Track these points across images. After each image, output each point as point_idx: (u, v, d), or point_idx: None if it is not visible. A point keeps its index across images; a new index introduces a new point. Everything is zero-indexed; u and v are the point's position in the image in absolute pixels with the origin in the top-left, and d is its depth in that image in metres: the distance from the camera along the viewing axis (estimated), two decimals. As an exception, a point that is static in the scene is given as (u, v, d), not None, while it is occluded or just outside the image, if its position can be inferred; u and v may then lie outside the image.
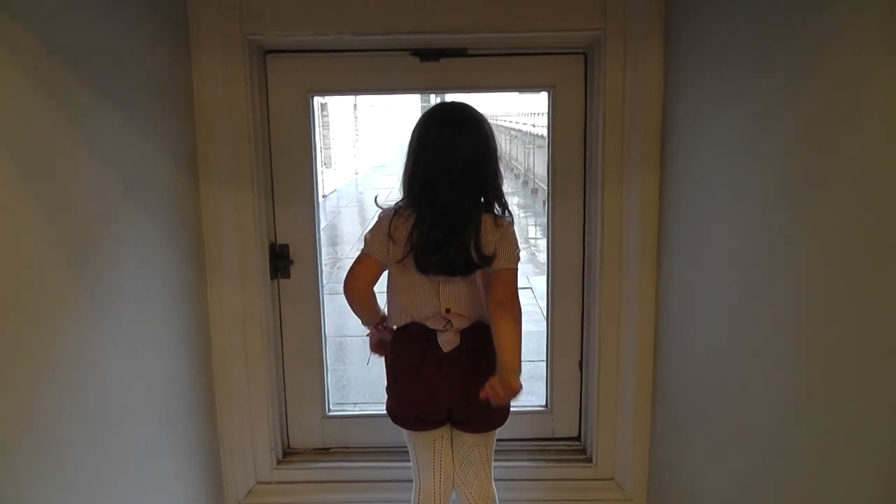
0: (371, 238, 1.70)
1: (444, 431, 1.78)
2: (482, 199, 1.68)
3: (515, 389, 1.61)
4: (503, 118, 16.15)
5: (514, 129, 14.02)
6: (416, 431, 1.77)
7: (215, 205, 2.02)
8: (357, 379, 3.72)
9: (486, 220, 1.65)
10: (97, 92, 1.52)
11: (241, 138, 2.01)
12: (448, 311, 1.64)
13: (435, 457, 1.79)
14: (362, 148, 16.05)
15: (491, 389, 1.59)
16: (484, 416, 1.74)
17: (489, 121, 1.72)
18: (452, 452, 1.81)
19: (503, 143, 14.65)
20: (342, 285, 1.72)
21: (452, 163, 1.63)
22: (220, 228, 2.04)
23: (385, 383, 1.80)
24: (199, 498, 2.03)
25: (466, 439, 1.77)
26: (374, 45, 2.06)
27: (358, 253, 1.74)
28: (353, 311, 1.78)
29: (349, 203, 10.29)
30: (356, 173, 14.72)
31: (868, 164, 1.13)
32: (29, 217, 1.31)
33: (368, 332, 1.86)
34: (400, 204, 1.68)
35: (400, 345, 1.73)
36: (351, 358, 4.05)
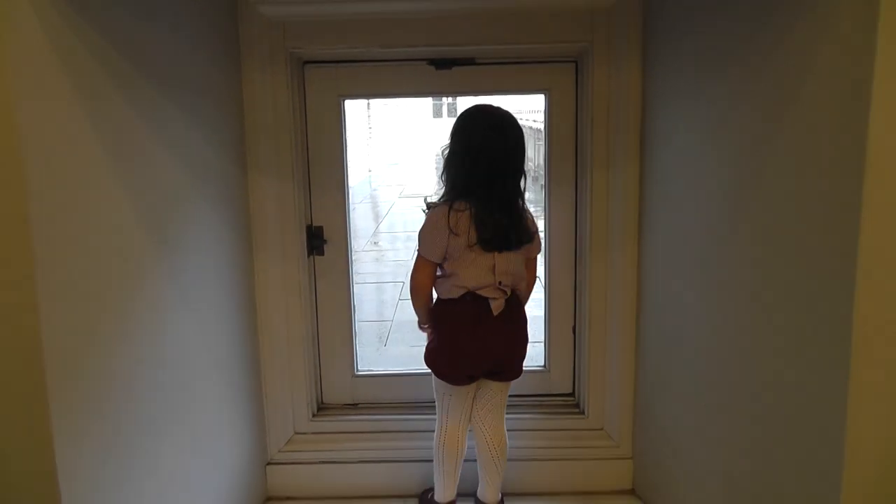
0: (431, 239, 1.85)
1: (474, 385, 1.99)
2: (521, 189, 1.90)
3: None
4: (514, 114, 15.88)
5: (524, 127, 13.68)
6: (460, 385, 1.95)
7: (261, 191, 2.16)
8: (369, 357, 3.89)
9: (525, 207, 1.92)
10: (169, 97, 1.66)
11: (283, 135, 2.15)
12: (500, 283, 1.86)
13: (466, 405, 2.00)
14: (375, 146, 15.64)
15: None
16: (514, 369, 1.98)
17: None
18: (475, 399, 2.02)
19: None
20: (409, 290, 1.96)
21: (508, 160, 1.84)
22: (265, 211, 2.18)
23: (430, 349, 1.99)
24: (247, 444, 2.17)
25: (493, 387, 1.99)
26: (396, 56, 2.19)
27: (414, 256, 1.95)
28: (415, 311, 2.02)
29: (363, 199, 10.36)
30: (369, 171, 14.53)
31: (798, 154, 1.29)
32: (120, 197, 1.47)
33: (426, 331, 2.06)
34: (448, 200, 1.86)
35: (456, 313, 1.89)
36: (365, 339, 4.20)
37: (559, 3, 2.05)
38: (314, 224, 2.33)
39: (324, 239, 2.34)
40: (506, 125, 1.86)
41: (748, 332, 1.52)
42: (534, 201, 10.03)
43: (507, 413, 2.30)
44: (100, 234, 1.42)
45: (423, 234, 1.87)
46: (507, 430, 2.08)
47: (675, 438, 1.98)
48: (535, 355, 2.59)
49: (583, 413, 2.39)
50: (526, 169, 1.91)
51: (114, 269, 1.47)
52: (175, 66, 1.71)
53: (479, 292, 1.85)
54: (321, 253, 2.34)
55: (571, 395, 2.47)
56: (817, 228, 1.25)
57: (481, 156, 1.83)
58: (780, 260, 1.38)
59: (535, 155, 11.95)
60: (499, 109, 1.90)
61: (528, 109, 14.56)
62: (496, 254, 1.84)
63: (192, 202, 1.81)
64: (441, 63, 2.22)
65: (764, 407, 1.48)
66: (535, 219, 1.95)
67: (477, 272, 1.84)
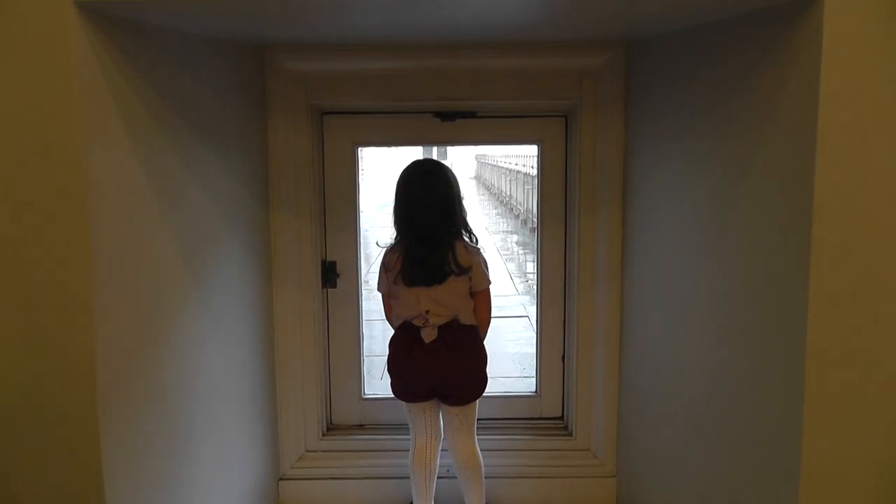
0: (379, 279, 2.10)
1: (431, 404, 2.11)
2: (455, 226, 2.02)
3: None
4: (503, 159, 15.94)
5: (513, 171, 13.68)
6: (410, 402, 2.11)
7: (281, 228, 2.28)
8: (374, 386, 3.92)
9: (459, 244, 2.00)
10: (206, 144, 1.80)
11: (303, 178, 2.27)
12: (427, 311, 1.99)
13: (425, 421, 2.13)
14: (366, 188, 15.35)
15: None
16: (459, 394, 2.06)
17: (454, 171, 2.07)
18: (440, 418, 2.13)
19: (504, 185, 14.40)
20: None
21: (429, 201, 1.98)
22: (285, 247, 2.29)
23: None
24: (262, 459, 2.25)
25: (450, 410, 2.09)
26: (405, 109, 2.33)
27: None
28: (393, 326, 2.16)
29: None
30: (361, 212, 14.27)
31: (759, 202, 1.42)
32: (165, 232, 1.61)
33: None
34: (392, 243, 2.06)
35: (396, 339, 2.08)
36: (371, 372, 4.28)
37: (552, 64, 2.20)
38: (328, 259, 2.45)
39: (337, 273, 2.45)
40: (430, 171, 2.02)
41: (718, 361, 1.63)
42: (522, 244, 9.85)
43: (501, 435, 2.43)
44: (147, 265, 1.55)
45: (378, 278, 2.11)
46: (502, 450, 2.17)
47: (654, 458, 2.08)
48: (528, 382, 2.65)
49: (571, 435, 2.48)
50: (461, 211, 2.03)
51: (157, 297, 1.60)
52: (211, 116, 1.85)
53: (413, 322, 2.02)
54: (334, 286, 2.46)
55: (560, 418, 2.56)
56: (774, 271, 1.38)
57: (406, 202, 2.02)
58: (744, 297, 1.50)
59: (524, 198, 11.88)
60: (427, 162, 2.06)
61: (514, 154, 14.46)
62: (421, 288, 1.99)
63: (223, 237, 1.93)
64: (446, 115, 2.36)
65: (732, 428, 1.58)
66: (477, 255, 2.03)
67: (406, 304, 2.03)
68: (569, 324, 2.46)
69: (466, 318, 2.04)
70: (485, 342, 2.11)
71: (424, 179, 2.00)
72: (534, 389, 2.58)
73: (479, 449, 2.11)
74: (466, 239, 2.05)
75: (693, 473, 1.81)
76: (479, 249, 2.05)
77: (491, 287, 2.08)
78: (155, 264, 1.58)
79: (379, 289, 2.11)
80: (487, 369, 2.11)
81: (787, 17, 1.29)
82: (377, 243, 2.13)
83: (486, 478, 2.15)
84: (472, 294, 2.04)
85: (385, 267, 2.05)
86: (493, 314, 2.15)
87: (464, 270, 1.98)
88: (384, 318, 2.16)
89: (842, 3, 1.19)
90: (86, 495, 1.43)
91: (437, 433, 2.14)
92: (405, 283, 1.99)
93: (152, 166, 1.56)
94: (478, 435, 2.15)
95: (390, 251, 2.05)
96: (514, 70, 2.21)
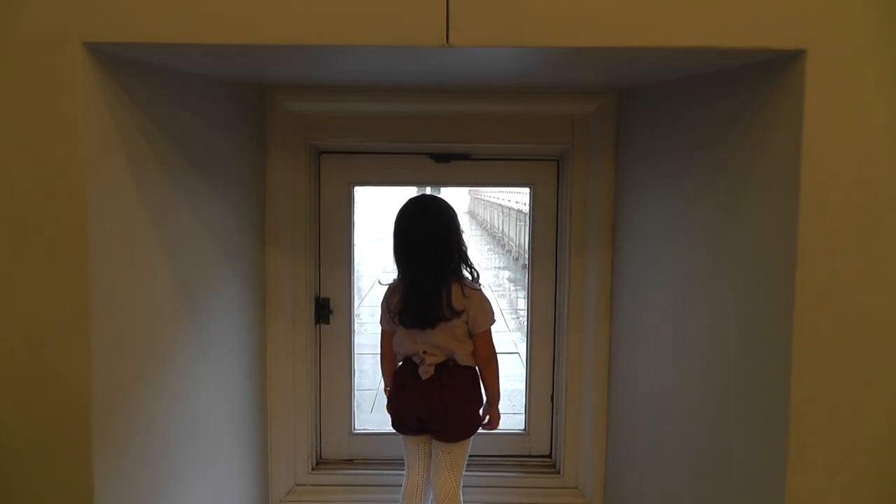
0: (381, 316, 2.09)
1: (424, 439, 2.09)
2: (451, 266, 1.95)
3: (499, 415, 2.08)
4: (497, 196, 15.94)
5: (506, 207, 13.75)
6: (404, 435, 2.10)
7: (277, 265, 2.28)
8: (363, 420, 3.90)
9: (455, 287, 1.94)
10: (204, 179, 1.80)
11: (299, 216, 2.29)
12: (425, 352, 1.98)
13: (418, 459, 2.10)
14: (359, 221, 15.31)
15: (490, 421, 2.07)
16: (449, 430, 2.03)
17: (450, 204, 1.99)
18: (431, 456, 2.10)
19: (497, 221, 14.43)
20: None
21: (422, 243, 1.93)
22: (280, 283, 2.29)
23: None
24: (252, 492, 2.23)
25: (438, 446, 2.06)
26: (401, 150, 2.35)
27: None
28: (381, 371, 2.17)
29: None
30: (354, 245, 14.16)
31: (744, 248, 1.44)
32: (161, 265, 1.61)
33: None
34: (394, 283, 2.04)
35: (398, 372, 2.08)
36: (361, 406, 4.26)
37: (544, 110, 2.23)
38: (322, 296, 2.45)
39: (330, 309, 2.46)
40: (425, 208, 1.97)
41: (706, 401, 1.64)
42: (514, 280, 9.76)
43: (489, 472, 2.43)
44: (143, 297, 1.56)
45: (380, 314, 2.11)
46: (490, 487, 2.15)
47: (642, 496, 2.07)
48: (517, 420, 2.65)
49: (559, 472, 2.47)
50: (458, 247, 1.96)
51: (152, 329, 1.61)
52: (212, 154, 1.87)
53: (413, 358, 2.02)
54: (327, 322, 2.46)
55: (549, 456, 2.55)
56: (758, 308, 1.40)
57: (400, 244, 1.98)
58: (731, 338, 1.51)
59: (516, 235, 11.90)
60: (422, 201, 1.99)
61: (507, 190, 14.48)
62: (416, 330, 1.97)
63: (219, 272, 1.94)
64: (440, 157, 2.38)
65: (719, 468, 1.58)
66: (473, 295, 1.96)
67: (404, 342, 2.02)
68: (558, 362, 2.46)
69: (463, 360, 2.01)
70: (478, 373, 2.07)
71: (418, 220, 1.96)
72: (522, 427, 2.58)
73: (461, 494, 2.06)
74: (468, 274, 2.01)
75: (680, 514, 1.81)
76: (478, 288, 2.01)
77: (493, 326, 2.02)
78: (152, 296, 1.59)
79: (382, 324, 2.12)
80: (481, 411, 2.09)
81: (770, 72, 1.32)
82: (379, 281, 2.13)
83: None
84: (472, 335, 2.00)
85: (387, 307, 2.04)
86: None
87: (457, 314, 1.94)
88: (376, 352, 2.16)
89: (824, 61, 1.22)
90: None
91: (426, 471, 2.11)
92: (402, 325, 1.99)
93: (153, 202, 1.57)
94: (466, 471, 2.13)
95: (391, 291, 2.05)
96: (508, 115, 2.24)
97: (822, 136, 1.23)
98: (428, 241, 1.94)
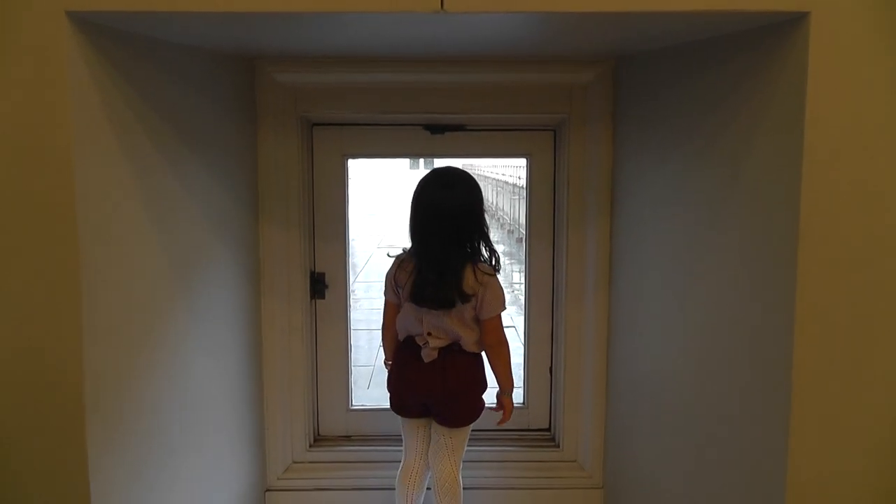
0: (385, 287, 2.05)
1: (424, 422, 2.07)
2: (469, 247, 1.89)
3: (511, 405, 2.05)
4: (491, 169, 15.91)
5: (500, 181, 13.69)
6: (403, 417, 2.08)
7: (271, 240, 2.26)
8: (360, 397, 3.91)
9: (468, 270, 1.88)
10: (196, 155, 1.79)
11: (292, 189, 2.26)
12: (429, 334, 1.94)
13: (417, 440, 2.09)
14: (354, 196, 15.29)
15: (504, 412, 2.05)
16: (452, 416, 2.01)
17: (475, 178, 1.94)
18: (430, 439, 2.08)
19: (491, 195, 14.42)
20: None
21: (443, 219, 1.85)
22: (273, 258, 2.28)
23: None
24: (249, 470, 2.24)
25: (439, 430, 2.04)
26: (395, 121, 2.33)
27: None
28: (383, 344, 2.13)
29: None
30: (349, 219, 14.12)
31: (745, 215, 1.44)
32: (154, 243, 1.60)
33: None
34: (403, 255, 1.98)
35: (399, 351, 2.05)
36: (358, 382, 4.27)
37: (541, 79, 2.21)
38: (317, 270, 2.44)
39: (325, 284, 2.45)
40: (448, 181, 1.89)
41: (704, 374, 1.64)
42: (508, 254, 9.74)
43: (488, 446, 2.42)
44: (136, 274, 1.55)
45: (384, 285, 2.05)
46: (489, 462, 2.15)
47: (641, 469, 2.09)
48: (516, 394, 2.64)
49: (558, 446, 2.47)
50: (480, 227, 1.90)
51: (144, 306, 1.60)
52: (201, 127, 1.85)
53: (416, 339, 1.98)
54: (322, 297, 2.45)
55: (548, 429, 2.55)
56: (760, 278, 1.39)
57: (419, 220, 1.90)
58: (733, 308, 1.51)
59: (510, 209, 11.88)
60: (448, 168, 1.93)
61: (502, 164, 14.43)
62: (426, 310, 1.92)
63: (211, 248, 1.93)
64: (435, 128, 2.35)
65: (720, 441, 1.59)
66: (487, 282, 1.90)
67: (410, 321, 1.98)
68: (556, 335, 2.46)
69: (469, 346, 1.96)
70: (483, 359, 2.04)
71: (443, 194, 1.88)
72: (521, 401, 2.57)
73: (460, 478, 2.05)
74: (486, 254, 1.94)
75: (680, 486, 1.82)
76: (492, 273, 1.93)
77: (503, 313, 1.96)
78: (143, 274, 1.58)
79: (386, 296, 2.06)
80: (484, 397, 2.06)
81: (773, 35, 1.30)
82: (388, 254, 2.05)
83: (472, 489, 2.14)
84: (479, 321, 1.95)
85: (394, 280, 1.98)
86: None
87: (467, 298, 1.88)
88: (375, 327, 2.14)
89: (828, 23, 1.21)
90: (71, 507, 1.42)
91: (426, 454, 2.09)
92: (414, 303, 1.93)
93: (142, 175, 1.55)
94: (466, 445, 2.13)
95: (400, 267, 1.97)
96: (504, 85, 2.22)
97: (826, 100, 1.22)
98: (450, 217, 1.86)
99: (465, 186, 1.90)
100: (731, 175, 1.48)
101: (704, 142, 1.60)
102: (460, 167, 2.00)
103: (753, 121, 1.40)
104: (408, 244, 1.99)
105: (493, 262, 1.96)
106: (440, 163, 2.22)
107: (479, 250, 1.93)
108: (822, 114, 1.22)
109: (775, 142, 1.32)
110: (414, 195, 1.93)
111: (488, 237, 1.95)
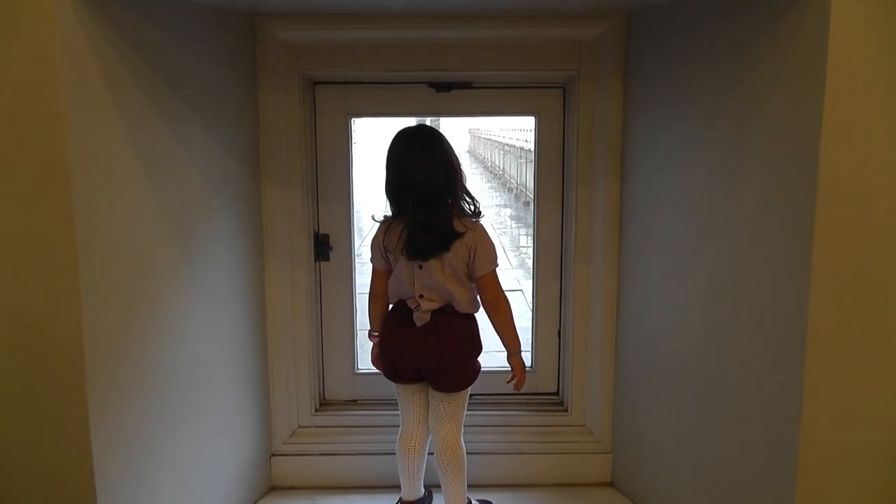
0: (372, 254, 2.01)
1: (420, 387, 2.05)
2: (449, 201, 1.88)
3: (521, 365, 1.99)
4: (498, 133, 15.83)
5: (507, 145, 13.61)
6: (397, 383, 2.06)
7: (273, 201, 2.25)
8: (366, 360, 3.89)
9: (455, 219, 1.87)
10: (195, 115, 1.77)
11: (294, 149, 2.24)
12: (421, 296, 1.91)
13: (413, 406, 2.07)
14: (359, 159, 15.24)
15: (517, 375, 1.99)
16: (448, 381, 1.98)
17: (447, 138, 1.92)
18: (427, 404, 2.06)
19: (498, 159, 14.34)
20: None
21: (426, 169, 1.85)
22: (276, 220, 2.26)
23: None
24: (254, 436, 2.25)
25: (436, 395, 2.02)
26: (399, 79, 2.29)
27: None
28: (368, 315, 2.09)
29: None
30: (354, 184, 14.16)
31: (760, 172, 1.43)
32: (152, 203, 1.59)
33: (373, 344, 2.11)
34: (390, 220, 1.94)
35: (390, 316, 2.03)
36: (364, 346, 4.23)
37: (549, 34, 2.17)
38: (321, 232, 2.43)
39: (330, 246, 2.43)
40: (425, 138, 1.89)
41: (716, 335, 1.63)
42: (515, 217, 9.80)
43: (496, 410, 2.43)
44: (134, 237, 1.53)
45: (371, 252, 2.02)
46: (497, 426, 2.14)
47: (650, 433, 2.09)
48: (523, 358, 2.63)
49: (566, 410, 2.48)
50: (458, 180, 1.90)
51: (144, 271, 1.59)
52: (201, 85, 1.82)
53: (408, 303, 1.95)
54: (327, 259, 2.44)
55: (556, 394, 2.56)
56: (775, 239, 1.37)
57: (397, 179, 1.90)
58: (744, 271, 1.49)
59: (517, 173, 11.85)
60: (418, 132, 1.92)
61: (509, 127, 14.33)
62: (416, 269, 1.90)
63: (212, 210, 1.92)
64: (440, 86, 2.33)
65: (729, 404, 1.59)
66: (481, 228, 1.90)
67: (401, 282, 1.95)
68: (565, 298, 2.45)
69: (462, 307, 1.94)
70: (477, 321, 2.00)
71: (415, 153, 1.87)
72: (529, 365, 2.56)
73: (463, 443, 2.03)
74: (468, 208, 1.93)
75: (689, 449, 1.82)
76: (478, 223, 1.92)
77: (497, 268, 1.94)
78: (142, 237, 1.57)
79: (373, 263, 2.03)
80: (480, 358, 2.03)
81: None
82: (373, 217, 2.02)
83: (479, 454, 2.13)
84: (473, 279, 1.93)
85: (384, 247, 1.94)
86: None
87: (458, 235, 1.85)
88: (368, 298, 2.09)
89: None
90: (75, 472, 1.43)
91: (422, 418, 2.08)
92: (408, 256, 1.89)
93: (139, 136, 1.53)
94: (473, 410, 2.13)
95: (388, 230, 1.93)
96: (511, 40, 2.18)
97: (847, 47, 1.19)
98: (433, 167, 1.86)
99: (439, 141, 1.90)
100: (746, 130, 1.46)
101: (720, 96, 1.57)
102: (427, 123, 1.98)
103: (770, 75, 1.37)
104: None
105: (474, 209, 1.95)
106: (445, 122, 2.19)
107: (460, 204, 1.92)
108: (843, 62, 1.19)
109: (794, 93, 1.29)
110: (387, 162, 1.92)
111: (466, 189, 1.95)
